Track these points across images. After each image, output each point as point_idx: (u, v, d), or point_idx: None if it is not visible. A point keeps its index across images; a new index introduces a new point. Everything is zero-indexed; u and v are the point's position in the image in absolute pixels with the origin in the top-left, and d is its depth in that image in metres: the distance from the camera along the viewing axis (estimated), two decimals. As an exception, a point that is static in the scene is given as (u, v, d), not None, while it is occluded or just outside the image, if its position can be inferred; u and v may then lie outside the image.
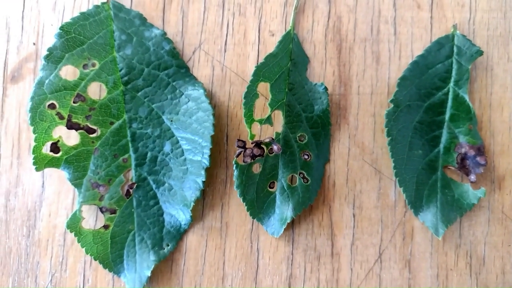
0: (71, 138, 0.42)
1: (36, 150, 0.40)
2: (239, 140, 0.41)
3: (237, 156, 0.41)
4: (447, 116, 0.44)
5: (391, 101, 0.43)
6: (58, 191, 0.44)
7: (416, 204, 0.43)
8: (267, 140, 0.42)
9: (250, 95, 0.41)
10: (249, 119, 0.41)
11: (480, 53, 0.44)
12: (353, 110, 0.44)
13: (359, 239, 0.44)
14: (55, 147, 0.41)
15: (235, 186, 0.42)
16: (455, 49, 0.44)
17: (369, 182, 0.44)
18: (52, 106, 0.41)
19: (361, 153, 0.44)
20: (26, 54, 0.45)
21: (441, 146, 0.44)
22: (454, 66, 0.44)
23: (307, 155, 0.43)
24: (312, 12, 0.45)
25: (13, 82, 0.45)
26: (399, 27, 0.45)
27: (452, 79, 0.44)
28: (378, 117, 0.45)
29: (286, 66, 0.43)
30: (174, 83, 0.43)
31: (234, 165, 0.41)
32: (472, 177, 0.43)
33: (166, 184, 0.43)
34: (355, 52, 0.45)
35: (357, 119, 0.44)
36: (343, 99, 0.45)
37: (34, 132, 0.40)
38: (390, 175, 0.44)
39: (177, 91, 0.43)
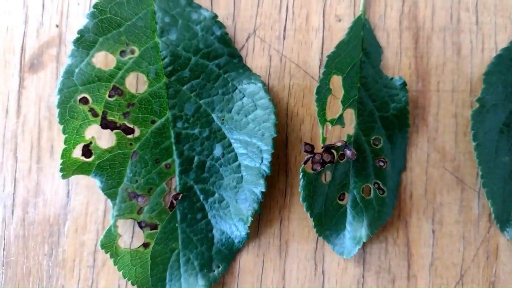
0: (102, 139, 0.36)
1: (66, 154, 0.33)
2: (306, 143, 0.35)
3: (305, 162, 0.35)
4: (536, 118, 0.39)
5: (477, 100, 0.37)
6: (86, 202, 0.37)
7: (503, 218, 0.38)
8: (339, 144, 0.35)
9: (323, 90, 0.35)
10: (322, 118, 0.35)
11: None
12: (433, 109, 0.38)
13: (439, 258, 0.38)
14: (87, 150, 0.34)
15: (301, 199, 0.35)
16: (545, 41, 0.39)
17: (450, 193, 0.38)
18: (84, 101, 0.34)
19: (441, 159, 0.38)
20: (48, 38, 0.38)
21: (530, 152, 0.39)
22: (544, 61, 0.39)
23: (383, 161, 0.37)
24: (385, -5, 0.39)
25: (31, 72, 0.38)
26: (481, 15, 0.39)
27: (543, 76, 0.39)
28: (460, 118, 0.39)
29: (358, 57, 0.37)
30: (225, 75, 0.36)
31: (301, 174, 0.35)
32: None
33: (216, 195, 0.36)
34: (433, 42, 0.39)
35: (437, 120, 0.38)
36: (421, 97, 0.38)
37: (64, 132, 0.33)
38: (473, 185, 0.38)
39: (230, 84, 0.36)
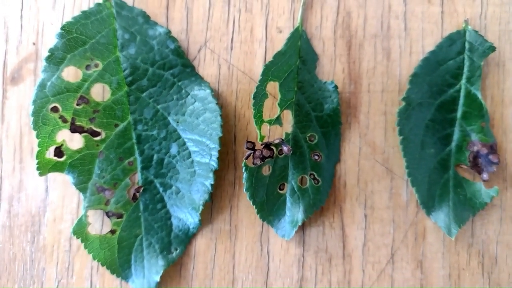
0: (74, 141, 0.41)
1: (40, 155, 0.39)
2: (248, 141, 0.40)
3: (247, 158, 0.40)
4: (459, 113, 0.43)
5: (403, 99, 0.42)
6: (62, 196, 0.43)
7: (428, 204, 0.43)
8: (277, 141, 0.41)
9: (259, 95, 0.40)
10: (259, 120, 0.40)
11: (492, 49, 0.43)
12: (364, 108, 0.43)
13: (371, 240, 0.43)
14: (59, 152, 0.40)
15: (244, 189, 0.41)
16: (466, 45, 0.43)
17: (381, 182, 0.43)
18: (55, 109, 0.40)
19: (372, 152, 0.43)
20: (26, 54, 0.43)
21: (453, 144, 0.43)
22: (466, 63, 0.43)
23: (318, 155, 0.42)
24: (320, 8, 0.44)
25: (13, 84, 0.43)
26: (409, 22, 0.44)
27: (464, 76, 0.43)
28: (390, 116, 0.44)
29: (295, 64, 0.42)
30: (179, 83, 0.42)
31: (244, 167, 0.40)
32: (485, 176, 0.43)
33: (174, 187, 0.42)
34: (365, 48, 0.44)
35: (368, 117, 0.43)
36: (353, 97, 0.44)
37: (37, 136, 0.39)
38: (402, 174, 0.43)
39: (183, 91, 0.42)
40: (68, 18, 0.42)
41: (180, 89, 0.42)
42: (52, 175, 0.43)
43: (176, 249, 0.42)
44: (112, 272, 0.41)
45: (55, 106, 0.40)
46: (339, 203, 0.43)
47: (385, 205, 0.43)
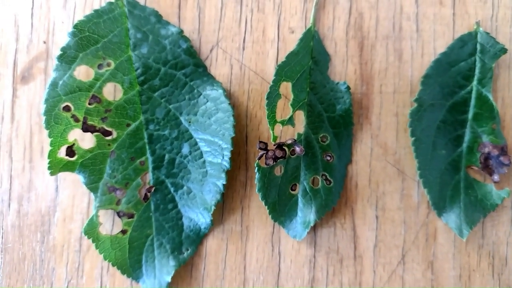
0: (85, 140, 0.41)
1: (52, 154, 0.39)
2: (260, 141, 0.40)
3: (259, 158, 0.40)
4: (470, 115, 0.43)
5: (415, 100, 0.42)
6: (72, 195, 0.43)
7: (440, 205, 0.43)
8: (290, 141, 0.40)
9: (273, 96, 0.40)
10: (272, 120, 0.40)
11: (504, 51, 0.43)
12: (376, 109, 0.43)
13: (382, 241, 0.43)
14: (70, 151, 0.39)
15: (256, 189, 0.40)
16: (478, 46, 0.43)
17: (392, 183, 0.43)
18: (67, 108, 0.39)
19: (383, 153, 0.43)
20: (37, 53, 0.43)
21: (464, 145, 0.43)
22: (477, 64, 0.43)
23: (330, 156, 0.42)
24: (332, 8, 0.44)
25: (23, 83, 0.43)
26: (421, 24, 0.44)
27: (475, 78, 0.43)
28: (401, 117, 0.44)
29: (307, 65, 0.42)
30: (191, 83, 0.42)
31: (256, 168, 0.40)
32: (496, 177, 0.43)
33: (185, 187, 0.42)
34: (377, 49, 0.44)
35: (380, 118, 0.43)
36: (365, 98, 0.43)
37: (49, 136, 0.38)
38: (413, 175, 0.43)
39: (195, 91, 0.42)
40: (79, 17, 0.42)
41: (192, 89, 0.42)
42: (62, 175, 0.43)
43: (187, 250, 0.42)
44: (123, 273, 0.41)
45: (67, 105, 0.39)
46: (350, 204, 0.43)
47: (396, 206, 0.43)
